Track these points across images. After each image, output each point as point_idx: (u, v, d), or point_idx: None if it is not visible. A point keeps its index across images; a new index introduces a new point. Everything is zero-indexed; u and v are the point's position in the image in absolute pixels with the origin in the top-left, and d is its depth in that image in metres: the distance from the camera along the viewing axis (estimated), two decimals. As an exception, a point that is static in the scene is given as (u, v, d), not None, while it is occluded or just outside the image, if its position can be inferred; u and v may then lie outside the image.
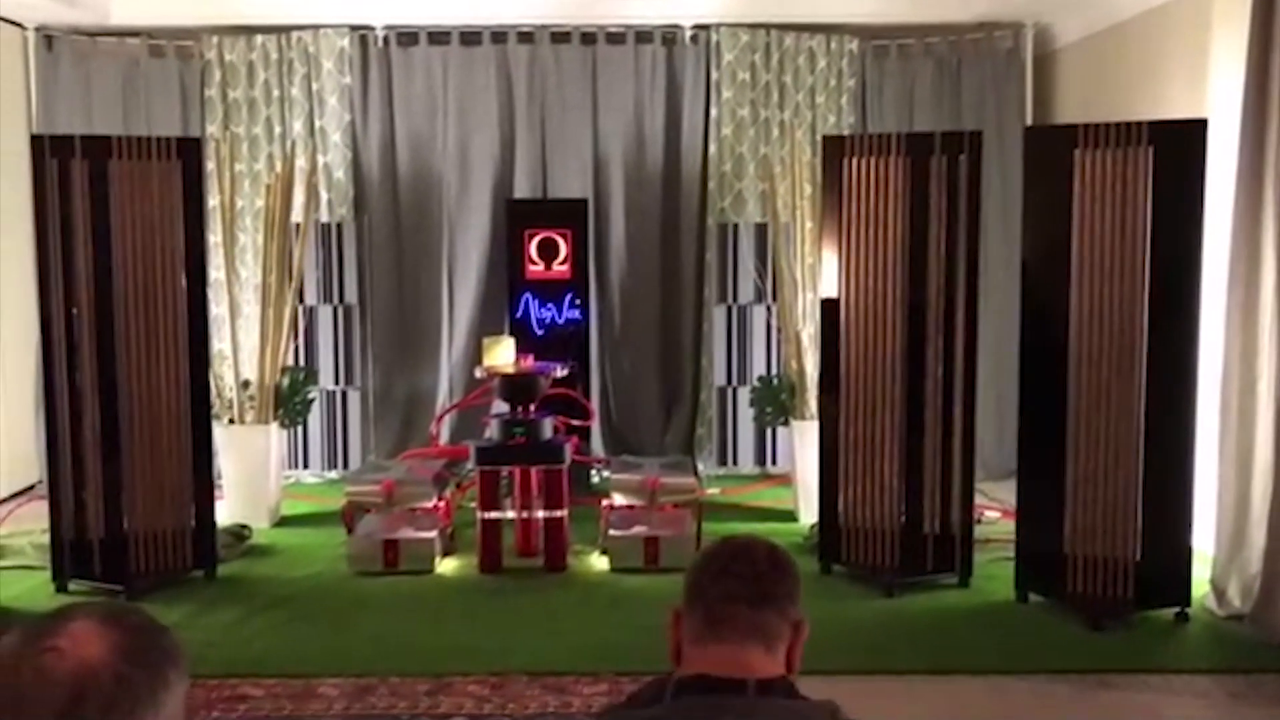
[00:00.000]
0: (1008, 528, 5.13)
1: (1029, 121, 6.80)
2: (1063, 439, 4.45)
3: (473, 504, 5.34)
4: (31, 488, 6.43)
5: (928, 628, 4.40)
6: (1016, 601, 4.61)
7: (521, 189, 6.91)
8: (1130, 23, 6.10)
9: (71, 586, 4.80)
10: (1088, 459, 4.42)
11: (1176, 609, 4.39)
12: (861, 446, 4.87)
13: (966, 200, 4.74)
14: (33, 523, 5.43)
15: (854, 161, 4.84)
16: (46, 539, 4.90)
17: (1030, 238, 4.64)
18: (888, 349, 4.81)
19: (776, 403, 5.99)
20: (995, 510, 5.82)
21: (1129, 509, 4.38)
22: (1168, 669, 4.00)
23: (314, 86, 6.81)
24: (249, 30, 6.80)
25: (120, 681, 1.13)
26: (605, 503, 5.41)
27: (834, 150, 4.96)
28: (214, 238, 6.07)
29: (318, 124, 6.82)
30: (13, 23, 6.57)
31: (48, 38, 6.72)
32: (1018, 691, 3.85)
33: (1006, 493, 5.85)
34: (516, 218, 6.67)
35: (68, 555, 4.82)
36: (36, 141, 4.88)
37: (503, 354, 5.36)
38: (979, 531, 5.06)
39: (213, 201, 6.03)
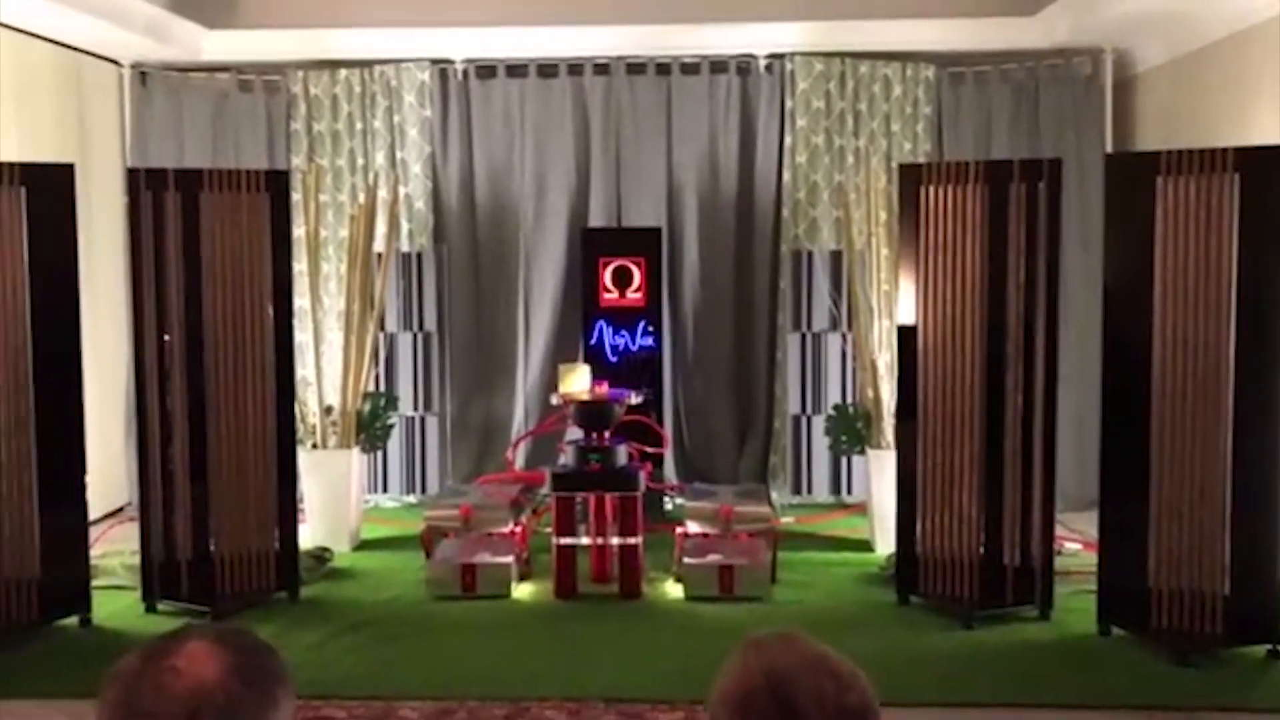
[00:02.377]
0: (1089, 560, 5.04)
1: (1109, 148, 6.72)
2: (1146, 469, 4.37)
3: (548, 529, 5.40)
4: (121, 509, 6.62)
5: (1008, 660, 4.34)
6: (1099, 635, 4.53)
7: (596, 218, 6.99)
8: (1214, 46, 6.01)
9: (160, 606, 4.94)
10: (1172, 490, 4.34)
11: (1268, 646, 4.28)
12: (940, 476, 4.83)
13: (1046, 228, 4.70)
14: (123, 543, 5.59)
15: (931, 189, 4.83)
16: (137, 560, 5.05)
17: (1112, 266, 4.59)
18: (966, 377, 4.78)
19: (852, 431, 5.96)
20: (1076, 542, 5.72)
21: (1216, 542, 4.29)
22: (1258, 708, 3.91)
23: (395, 119, 6.97)
24: (333, 65, 6.98)
25: (233, 700, 1.18)
26: (679, 530, 5.42)
27: (911, 178, 4.95)
28: (299, 266, 6.22)
29: (399, 155, 6.97)
30: (110, 60, 6.83)
31: (142, 74, 6.97)
32: (1102, 727, 3.79)
33: (1087, 524, 5.76)
34: (591, 246, 6.75)
35: (156, 576, 4.96)
36: (132, 174, 5.06)
37: (578, 381, 5.42)
38: (1059, 563, 4.98)
39: (298, 231, 6.18)
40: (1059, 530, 5.09)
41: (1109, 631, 4.52)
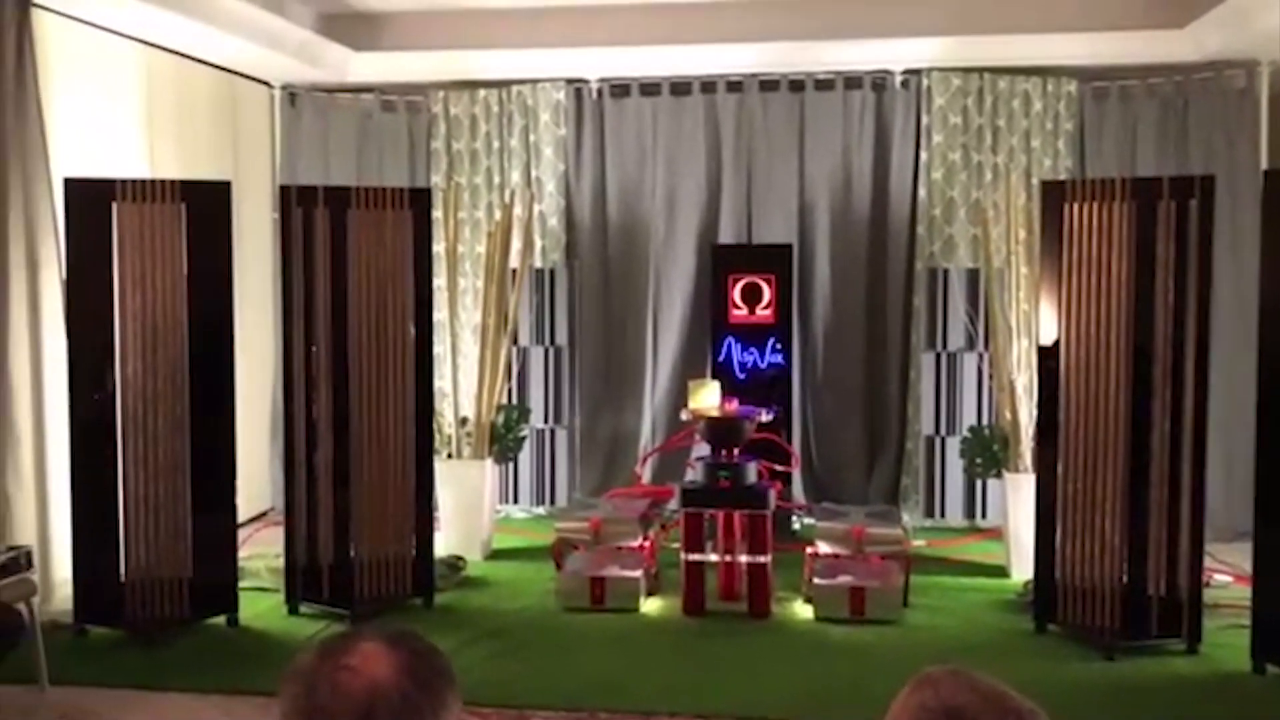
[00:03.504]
0: (1241, 593, 4.84)
1: (1264, 165, 6.44)
2: (1306, 500, 4.18)
3: (675, 545, 5.41)
4: (265, 514, 6.86)
5: (1154, 695, 4.19)
6: (1253, 673, 4.33)
7: (726, 234, 7.00)
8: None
9: (302, 609, 5.10)
10: (1335, 523, 4.14)
11: None
12: (1081, 502, 4.69)
13: (1197, 248, 4.54)
14: (267, 547, 5.80)
15: (1076, 206, 4.71)
16: (280, 563, 5.23)
17: (1269, 287, 4.40)
18: (1110, 401, 4.63)
19: (988, 454, 5.83)
20: (1226, 574, 5.49)
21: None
22: None
23: (531, 138, 7.10)
24: (473, 85, 7.16)
25: (406, 700, 1.22)
26: (809, 550, 5.37)
27: (1055, 195, 4.83)
28: (438, 281, 6.38)
29: (534, 173, 7.10)
30: (262, 82, 7.12)
31: (291, 95, 7.25)
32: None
33: (1235, 555, 5.53)
34: (721, 262, 6.76)
35: (299, 578, 5.13)
36: (285, 191, 5.26)
37: (708, 397, 5.42)
38: (1208, 596, 4.78)
39: (438, 247, 6.34)
40: (1207, 561, 4.89)
41: (1264, 669, 4.32)
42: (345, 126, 7.25)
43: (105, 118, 5.63)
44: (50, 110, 5.06)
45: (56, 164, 5.00)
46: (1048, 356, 4.82)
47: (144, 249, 4.72)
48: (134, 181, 4.79)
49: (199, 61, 6.43)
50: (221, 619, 4.90)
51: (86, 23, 5.48)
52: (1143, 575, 4.60)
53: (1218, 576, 5.39)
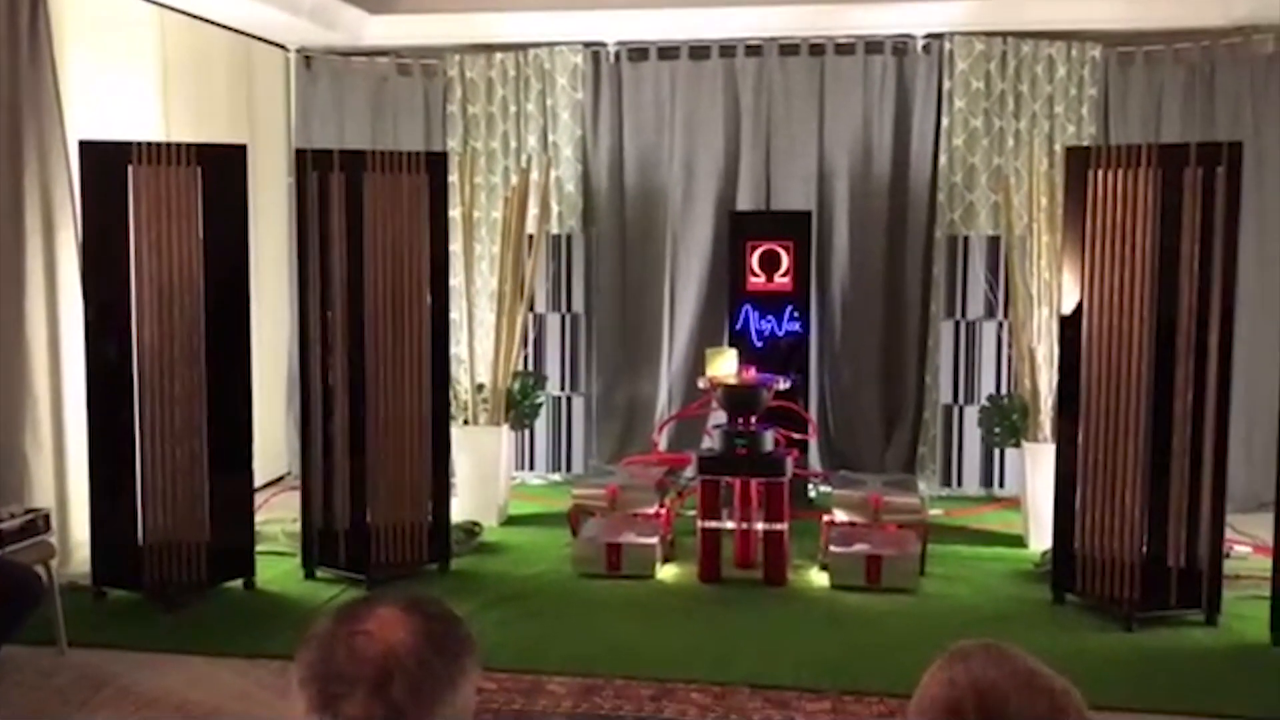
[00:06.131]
0: (1261, 564, 4.81)
1: (1291, 130, 6.35)
2: (1330, 472, 4.13)
3: (691, 512, 5.40)
4: (281, 479, 6.88)
5: (1173, 666, 4.17)
6: (1272, 644, 4.30)
7: (744, 201, 6.94)
8: None
9: (318, 573, 5.12)
10: (1359, 495, 4.09)
11: None
12: (1102, 472, 4.65)
13: (1224, 216, 4.47)
14: (284, 511, 5.82)
15: (1100, 173, 4.64)
16: (297, 527, 5.24)
17: (1297, 255, 4.34)
18: (1133, 370, 4.58)
19: (1007, 423, 5.78)
20: (1246, 545, 5.45)
21: (1407, 551, 4.03)
22: None
23: (548, 102, 7.04)
24: (489, 49, 7.09)
25: (423, 666, 1.20)
26: (826, 518, 5.36)
27: (1079, 161, 4.76)
28: (454, 247, 6.34)
29: (551, 139, 7.05)
30: (277, 45, 7.07)
31: (307, 58, 7.20)
32: (1276, 741, 3.60)
33: (1255, 526, 5.49)
34: (739, 229, 6.70)
35: (316, 543, 5.14)
36: (300, 155, 5.22)
37: (725, 365, 5.39)
38: (1228, 567, 4.75)
39: (454, 213, 6.30)
40: (1227, 532, 4.85)
41: (1283, 641, 4.29)
42: (360, 90, 7.20)
43: (120, 81, 5.59)
44: (65, 73, 5.03)
45: (72, 127, 4.98)
46: (1069, 325, 4.77)
47: (160, 212, 4.70)
48: (150, 144, 4.77)
49: (214, 24, 6.38)
50: (238, 583, 4.92)
51: (101, -16, 5.45)
52: (1162, 546, 4.57)
53: (1238, 548, 5.35)
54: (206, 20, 6.30)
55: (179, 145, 4.80)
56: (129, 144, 4.73)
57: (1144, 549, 4.59)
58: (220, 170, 4.81)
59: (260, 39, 6.88)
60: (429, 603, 1.29)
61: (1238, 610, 4.58)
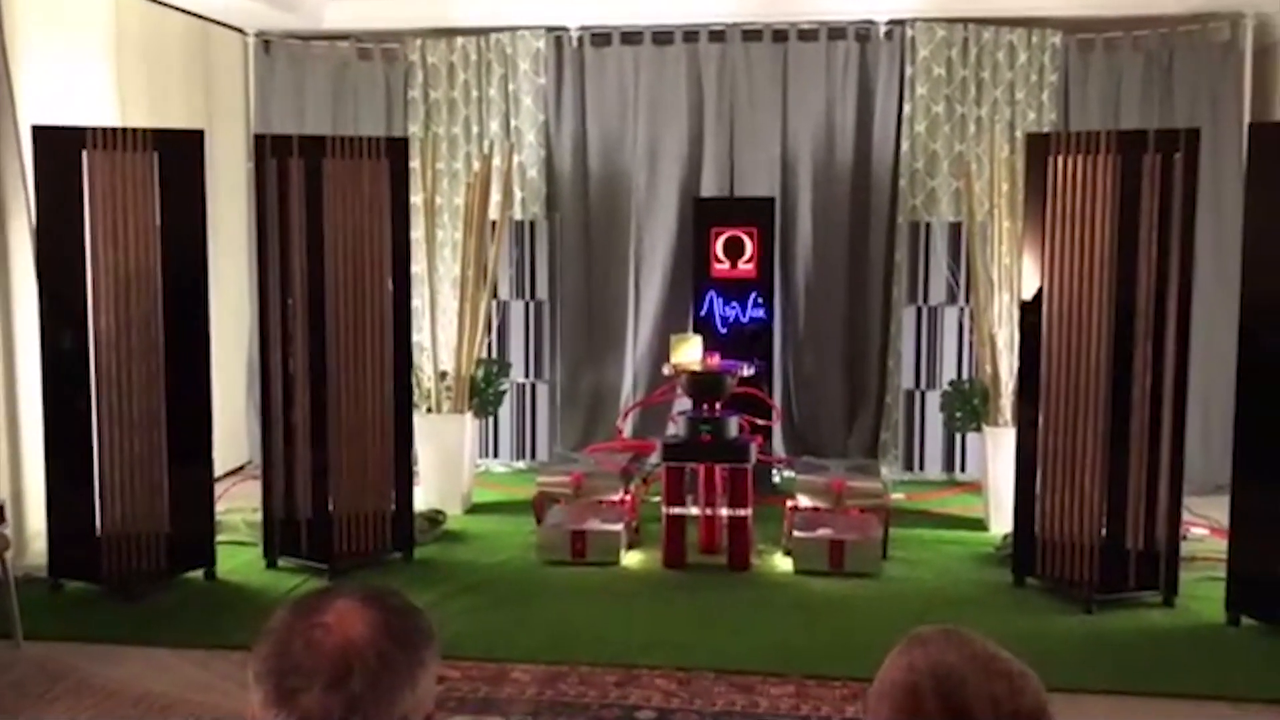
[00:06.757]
0: (1217, 546, 4.88)
1: (1247, 118, 6.42)
2: (1284, 454, 4.19)
3: (656, 499, 5.40)
4: (242, 468, 6.81)
5: (1130, 647, 4.22)
6: (1227, 624, 4.37)
7: (709, 187, 6.93)
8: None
9: (280, 563, 5.07)
10: (1312, 477, 4.16)
11: None
12: (1061, 456, 4.70)
13: (1181, 202, 4.52)
14: (245, 501, 5.76)
15: (1060, 159, 4.67)
16: (258, 517, 5.19)
17: (1252, 242, 4.39)
18: (1092, 355, 4.63)
19: (968, 408, 5.83)
20: (1203, 527, 5.52)
21: (1358, 532, 4.10)
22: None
23: (510, 87, 6.99)
24: (450, 33, 7.03)
25: (382, 658, 1.19)
26: (789, 503, 5.38)
27: (1039, 147, 4.79)
28: (416, 233, 6.30)
29: (513, 124, 7.00)
30: (235, 28, 6.98)
31: (266, 42, 7.10)
32: (1230, 718, 3.65)
33: (1211, 508, 5.57)
34: (703, 216, 6.70)
35: (277, 533, 5.10)
36: (259, 140, 5.16)
37: (690, 352, 5.39)
38: (1185, 549, 4.81)
39: (415, 199, 6.26)
40: (1185, 515, 4.92)
41: (1238, 621, 4.36)
42: (320, 75, 7.12)
43: (74, 65, 5.49)
44: (16, 56, 4.93)
45: (24, 111, 4.88)
46: (1029, 310, 4.81)
47: (115, 199, 4.63)
48: (105, 130, 4.69)
49: (170, 7, 6.28)
50: (199, 573, 4.88)
51: (53, -34, 5.34)
52: (1121, 528, 4.62)
53: (1194, 530, 5.42)
54: (162, 3, 6.21)
55: (135, 130, 4.72)
56: (83, 129, 4.65)
57: (1103, 532, 4.65)
58: (177, 156, 4.74)
59: (217, 22, 6.78)
60: (388, 594, 1.27)
61: (1194, 591, 4.65)
